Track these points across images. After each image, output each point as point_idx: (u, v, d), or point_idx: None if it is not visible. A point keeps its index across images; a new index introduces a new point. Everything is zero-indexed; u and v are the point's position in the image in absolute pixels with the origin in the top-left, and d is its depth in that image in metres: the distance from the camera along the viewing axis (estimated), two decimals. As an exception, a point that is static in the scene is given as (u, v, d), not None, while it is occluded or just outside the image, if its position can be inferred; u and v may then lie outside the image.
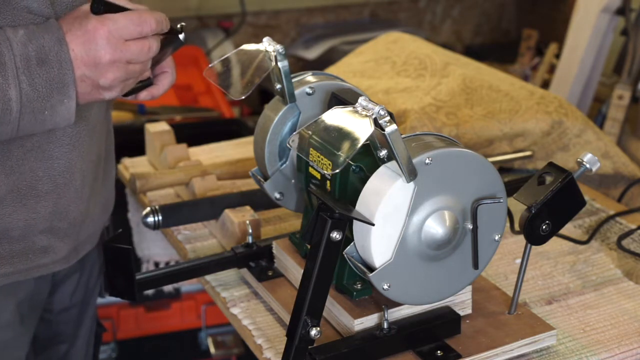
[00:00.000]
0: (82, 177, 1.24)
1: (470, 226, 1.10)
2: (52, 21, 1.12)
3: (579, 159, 1.16)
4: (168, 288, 2.42)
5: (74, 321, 1.42)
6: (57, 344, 1.41)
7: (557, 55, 2.94)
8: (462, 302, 1.17)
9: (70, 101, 1.11)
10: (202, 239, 1.50)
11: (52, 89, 1.09)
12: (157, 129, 1.71)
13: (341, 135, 1.00)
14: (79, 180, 1.23)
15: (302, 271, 1.05)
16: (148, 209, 1.41)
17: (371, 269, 1.07)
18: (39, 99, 1.09)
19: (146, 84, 1.26)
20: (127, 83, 1.16)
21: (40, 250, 1.23)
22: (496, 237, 1.13)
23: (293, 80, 1.24)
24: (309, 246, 1.06)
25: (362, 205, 1.06)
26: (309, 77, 1.27)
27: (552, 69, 3.01)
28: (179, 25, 1.21)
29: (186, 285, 2.48)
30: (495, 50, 3.76)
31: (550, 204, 1.13)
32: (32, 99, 1.08)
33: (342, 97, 1.20)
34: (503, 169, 1.68)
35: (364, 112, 1.00)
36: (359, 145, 0.98)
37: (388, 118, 1.00)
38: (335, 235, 1.02)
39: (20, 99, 1.07)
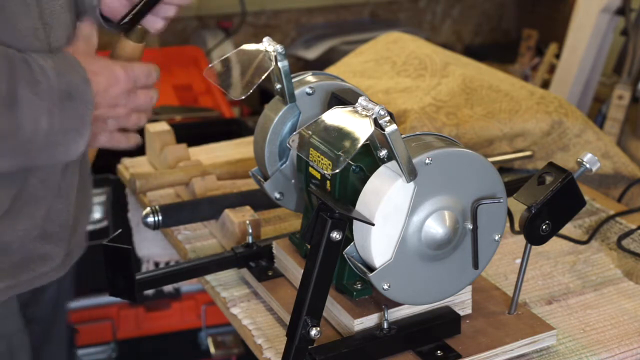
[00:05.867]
0: (71, 179, 1.24)
1: (470, 226, 1.10)
2: (73, 57, 1.14)
3: (579, 159, 1.16)
4: (168, 288, 2.42)
5: (49, 322, 1.41)
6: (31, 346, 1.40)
7: (557, 55, 2.94)
8: (462, 302, 1.17)
9: (83, 141, 1.13)
10: (202, 239, 1.50)
11: (73, 126, 1.10)
12: (157, 129, 1.71)
13: (341, 135, 1.00)
14: (69, 181, 1.24)
15: (302, 271, 1.05)
16: (148, 209, 1.41)
17: (371, 269, 1.07)
18: (60, 134, 1.09)
19: None
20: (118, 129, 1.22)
21: (39, 258, 1.23)
22: (496, 237, 1.13)
23: (293, 80, 1.24)
24: (309, 246, 1.06)
25: (362, 205, 1.06)
26: (309, 77, 1.27)
27: (552, 69, 3.01)
28: None
29: (186, 285, 2.48)
30: (495, 50, 3.76)
31: (550, 204, 1.13)
32: (56, 132, 1.09)
33: (342, 97, 1.20)
34: (503, 169, 1.68)
35: (364, 112, 1.00)
36: (359, 145, 0.98)
37: (388, 118, 1.00)
38: (335, 235, 1.02)
39: (46, 131, 1.08)
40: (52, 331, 1.42)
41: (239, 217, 1.41)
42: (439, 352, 1.12)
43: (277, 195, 1.29)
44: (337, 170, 0.99)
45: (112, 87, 1.17)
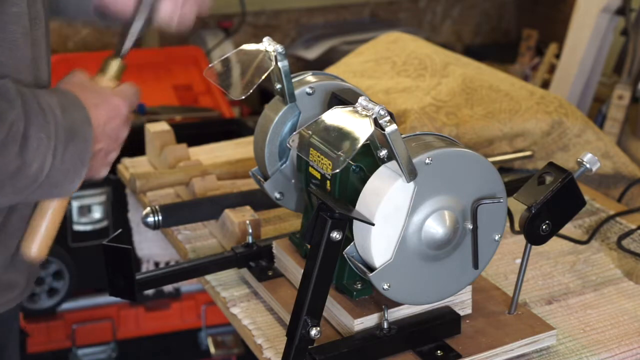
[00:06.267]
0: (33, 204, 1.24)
1: (470, 226, 1.10)
2: (74, 96, 1.12)
3: (579, 159, 1.16)
4: (168, 288, 2.42)
5: (7, 329, 1.39)
6: None
7: (557, 55, 2.94)
8: (462, 302, 1.17)
9: (79, 179, 1.12)
10: (202, 239, 1.50)
11: (72, 166, 1.10)
12: (157, 129, 1.71)
13: (341, 135, 1.00)
14: (32, 207, 1.22)
15: (302, 271, 1.05)
16: (148, 208, 1.41)
17: (371, 269, 1.07)
18: (61, 173, 1.09)
19: None
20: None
21: (8, 286, 1.22)
22: (496, 237, 1.13)
23: (293, 80, 1.24)
24: (309, 246, 1.06)
25: (362, 205, 1.06)
26: (309, 77, 1.27)
27: (552, 69, 3.01)
28: None
29: (186, 285, 2.48)
30: (495, 50, 3.76)
31: (550, 204, 1.13)
32: (57, 172, 1.08)
33: (342, 97, 1.20)
34: (503, 169, 1.68)
35: (364, 112, 1.00)
36: (359, 145, 0.98)
37: (388, 118, 1.00)
38: (335, 235, 1.02)
39: (49, 172, 1.07)
40: (10, 337, 1.41)
41: (239, 217, 1.41)
42: (439, 352, 1.12)
43: (277, 195, 1.29)
44: (337, 170, 0.99)
45: (113, 120, 1.16)
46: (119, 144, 1.19)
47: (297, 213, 1.34)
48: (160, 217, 1.41)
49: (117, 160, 1.79)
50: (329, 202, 1.03)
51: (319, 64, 3.20)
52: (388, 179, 1.05)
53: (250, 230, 1.35)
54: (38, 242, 1.18)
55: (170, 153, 1.65)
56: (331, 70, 1.98)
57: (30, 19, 1.14)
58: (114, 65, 1.22)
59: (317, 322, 1.04)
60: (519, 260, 1.35)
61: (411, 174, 1.03)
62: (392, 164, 1.05)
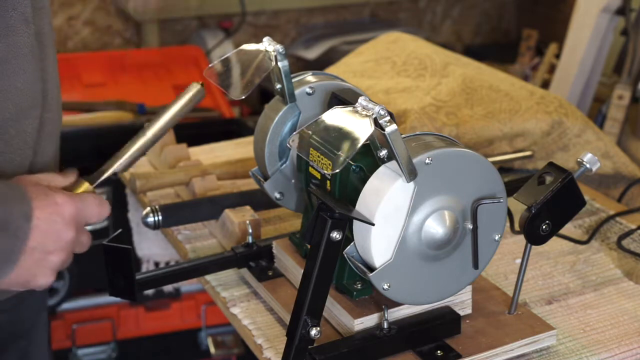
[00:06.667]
0: None
1: (470, 226, 1.10)
2: (23, 190, 1.06)
3: (579, 159, 1.16)
4: (168, 288, 2.43)
5: (34, 313, 1.39)
6: (15, 340, 1.37)
7: (557, 55, 2.94)
8: (462, 302, 1.17)
9: (8, 271, 1.05)
10: (202, 239, 1.50)
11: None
12: (157, 129, 1.71)
13: (341, 135, 1.00)
14: None
15: (302, 271, 1.05)
16: (148, 208, 1.41)
17: (371, 269, 1.07)
18: None
19: None
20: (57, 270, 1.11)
21: None
22: (496, 237, 1.13)
23: (293, 80, 1.24)
24: (309, 246, 1.06)
25: (362, 205, 1.06)
26: (309, 77, 1.27)
27: (552, 69, 3.01)
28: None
29: (186, 285, 2.49)
30: (495, 50, 3.76)
31: (550, 204, 1.13)
32: None
33: (342, 97, 1.20)
34: (503, 169, 1.68)
35: (364, 112, 1.00)
36: (359, 145, 0.98)
37: (388, 118, 1.00)
38: (335, 235, 1.02)
39: None
40: (38, 323, 1.41)
41: (239, 217, 1.41)
42: (439, 352, 1.12)
43: (277, 195, 1.29)
44: (337, 170, 0.99)
45: (52, 216, 1.07)
46: (61, 246, 1.08)
47: (297, 213, 1.34)
48: (160, 217, 1.41)
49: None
50: (329, 202, 1.03)
51: (319, 64, 3.20)
52: (388, 179, 1.05)
53: (250, 230, 1.35)
54: None
55: (170, 153, 1.65)
56: (331, 70, 1.98)
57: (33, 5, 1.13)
58: (83, 187, 1.19)
59: (317, 322, 1.04)
60: (519, 260, 1.35)
61: (411, 174, 1.03)
62: (392, 164, 1.05)
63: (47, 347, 1.48)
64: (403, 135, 1.02)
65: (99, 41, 3.38)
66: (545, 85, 2.91)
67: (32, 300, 1.38)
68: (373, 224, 1.04)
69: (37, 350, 1.41)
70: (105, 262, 1.21)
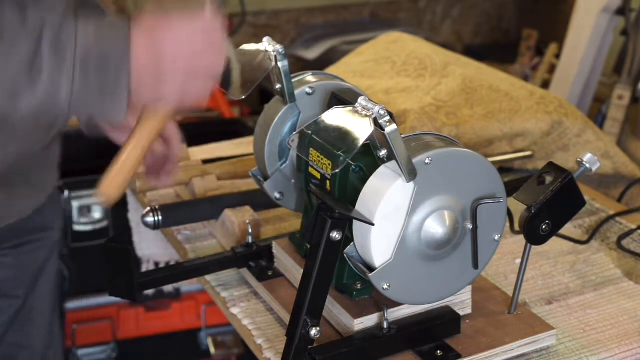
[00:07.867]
0: None
1: (470, 226, 1.10)
2: (124, 25, 1.05)
3: (579, 159, 1.16)
4: (168, 288, 2.42)
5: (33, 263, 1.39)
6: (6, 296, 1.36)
7: (557, 55, 2.94)
8: (462, 302, 1.17)
9: (120, 107, 1.05)
10: (202, 239, 1.50)
11: (105, 94, 1.04)
12: (157, 129, 1.70)
13: (341, 135, 1.00)
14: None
15: (302, 271, 1.05)
16: (148, 208, 1.41)
17: (371, 269, 1.07)
18: (89, 101, 1.05)
19: None
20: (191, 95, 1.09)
21: None
22: (496, 237, 1.13)
23: (293, 80, 1.24)
24: (309, 246, 1.06)
25: (362, 205, 1.06)
26: (309, 77, 1.27)
27: (552, 69, 3.01)
28: None
29: (186, 285, 2.48)
30: (495, 50, 3.76)
31: (550, 204, 1.13)
32: (82, 99, 1.04)
33: (342, 97, 1.20)
34: (503, 169, 1.68)
35: (364, 112, 1.00)
36: (359, 145, 0.98)
37: (388, 118, 1.00)
38: (335, 235, 1.02)
39: (70, 98, 1.03)
40: (39, 277, 1.42)
41: (239, 217, 1.41)
42: (439, 352, 1.12)
43: (277, 195, 1.29)
44: (337, 170, 0.99)
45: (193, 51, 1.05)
46: (162, 80, 1.06)
47: (297, 213, 1.34)
48: (160, 217, 1.41)
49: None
50: (329, 202, 1.03)
51: (319, 64, 3.20)
52: (388, 179, 1.05)
53: (250, 230, 1.35)
54: (107, 180, 1.12)
55: (170, 153, 1.65)
56: (331, 70, 1.98)
57: None
58: None
59: (317, 322, 1.04)
60: (519, 260, 1.35)
61: (411, 174, 1.03)
62: (392, 164, 1.05)
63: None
64: (403, 135, 1.02)
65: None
66: (545, 85, 2.91)
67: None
68: (373, 224, 1.04)
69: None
70: (105, 262, 1.21)
